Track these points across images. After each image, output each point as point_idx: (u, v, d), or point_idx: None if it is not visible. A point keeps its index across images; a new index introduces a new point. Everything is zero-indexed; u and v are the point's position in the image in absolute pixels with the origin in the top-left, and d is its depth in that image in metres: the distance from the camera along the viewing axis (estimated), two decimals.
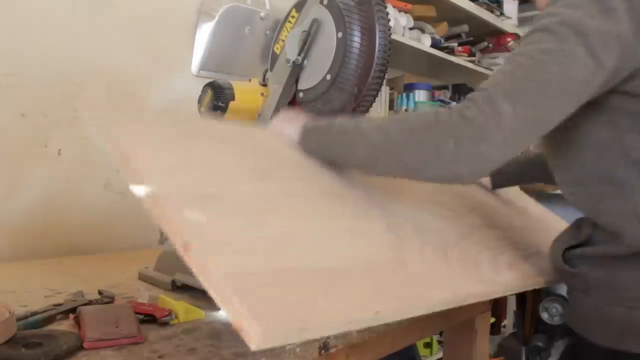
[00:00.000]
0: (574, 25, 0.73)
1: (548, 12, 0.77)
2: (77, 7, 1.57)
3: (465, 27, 2.81)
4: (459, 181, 0.74)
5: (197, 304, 0.91)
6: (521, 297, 1.05)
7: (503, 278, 0.90)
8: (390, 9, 2.16)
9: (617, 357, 0.82)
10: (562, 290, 1.11)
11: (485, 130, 0.70)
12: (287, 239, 0.65)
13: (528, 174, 1.24)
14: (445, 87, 2.90)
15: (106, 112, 0.73)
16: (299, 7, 1.23)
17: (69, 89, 1.56)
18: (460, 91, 2.90)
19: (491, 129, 0.70)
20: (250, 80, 1.31)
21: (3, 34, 1.43)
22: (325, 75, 1.15)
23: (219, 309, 0.87)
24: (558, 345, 1.06)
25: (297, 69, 1.19)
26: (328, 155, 0.87)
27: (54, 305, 0.89)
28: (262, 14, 1.88)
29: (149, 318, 0.84)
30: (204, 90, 1.25)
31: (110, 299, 0.96)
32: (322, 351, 0.78)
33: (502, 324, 3.06)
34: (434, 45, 2.51)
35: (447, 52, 2.60)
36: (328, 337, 0.80)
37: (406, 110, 2.50)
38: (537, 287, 0.90)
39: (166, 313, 0.84)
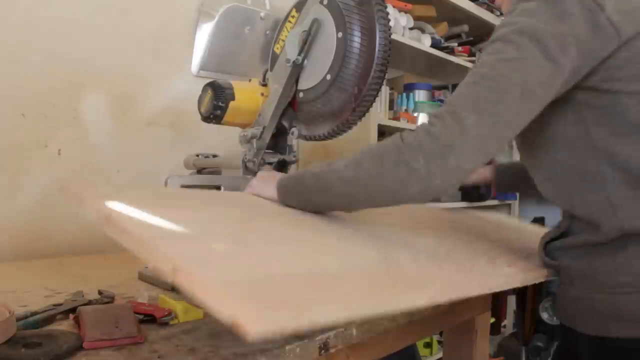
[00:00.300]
0: (529, 33, 0.78)
1: (506, 22, 0.82)
2: (77, 7, 1.57)
3: (465, 27, 2.81)
4: (437, 194, 0.77)
5: (196, 304, 0.91)
6: (521, 297, 1.05)
7: (504, 272, 0.91)
8: (390, 9, 2.16)
9: (603, 344, 0.84)
10: None
11: (452, 143, 0.74)
12: (276, 257, 0.68)
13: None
14: (445, 87, 2.90)
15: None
16: (299, 7, 1.23)
17: (69, 89, 1.56)
18: None
19: (457, 141, 0.74)
20: (250, 80, 1.31)
21: (3, 35, 1.43)
22: (325, 75, 1.15)
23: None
24: (555, 347, 1.07)
25: (297, 69, 1.19)
26: (308, 202, 0.90)
27: (54, 305, 0.89)
28: (262, 14, 1.88)
29: (149, 318, 0.84)
30: (204, 90, 1.25)
31: (110, 299, 0.96)
32: (322, 351, 0.78)
33: (502, 324, 3.06)
34: (434, 45, 2.51)
35: (447, 52, 2.60)
36: (328, 337, 0.80)
37: (406, 110, 2.50)
38: (539, 280, 0.92)
39: (166, 313, 0.84)
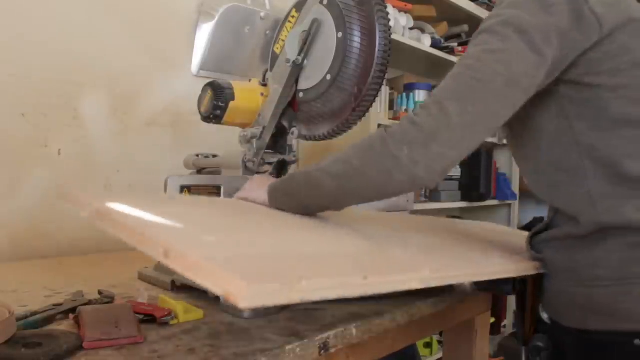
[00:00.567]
0: (515, 24, 0.79)
1: (492, 14, 0.84)
2: (77, 7, 1.57)
3: (465, 27, 2.81)
4: (422, 183, 0.78)
5: (196, 304, 0.91)
6: (521, 297, 1.05)
7: (496, 261, 0.93)
8: (390, 9, 2.16)
9: (584, 337, 0.85)
10: None
11: (435, 132, 0.76)
12: (267, 241, 0.69)
13: None
14: None
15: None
16: (299, 7, 1.23)
17: (69, 89, 1.56)
18: None
19: (440, 130, 0.76)
20: (250, 80, 1.31)
21: (3, 35, 1.43)
22: (326, 75, 1.15)
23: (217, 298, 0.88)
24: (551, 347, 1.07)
25: (297, 69, 1.19)
26: (298, 203, 0.92)
27: (54, 305, 0.89)
28: (262, 14, 1.88)
29: (149, 318, 0.84)
30: (204, 90, 1.25)
31: (110, 299, 0.96)
32: (322, 351, 0.78)
33: (502, 324, 3.06)
34: (434, 45, 2.51)
35: (447, 52, 2.60)
36: (328, 337, 0.80)
37: (406, 110, 2.49)
38: (530, 271, 0.92)
39: (166, 313, 0.84)
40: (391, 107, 2.46)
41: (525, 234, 1.01)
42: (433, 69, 2.87)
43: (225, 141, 1.60)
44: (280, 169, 1.25)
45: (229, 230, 0.72)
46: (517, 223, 3.15)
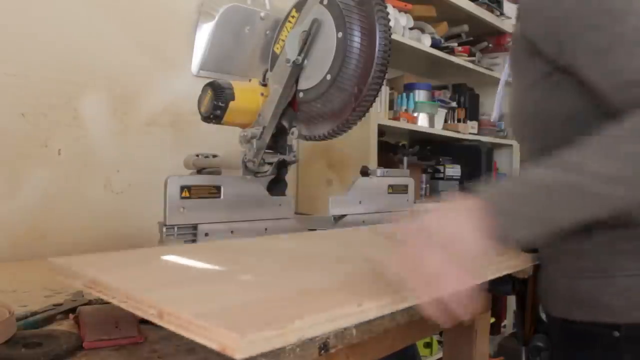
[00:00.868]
0: None
1: None
2: (77, 7, 1.57)
3: (465, 27, 2.81)
4: None
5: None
6: (521, 297, 1.05)
7: (495, 260, 0.91)
8: (390, 9, 2.16)
9: (567, 326, 0.86)
10: None
11: None
12: (257, 284, 0.70)
13: None
14: (445, 87, 2.90)
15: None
16: (299, 7, 1.23)
17: (69, 89, 1.56)
18: (460, 91, 2.90)
19: None
20: (250, 80, 1.31)
21: (3, 34, 1.43)
22: (326, 75, 1.15)
23: None
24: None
25: (297, 69, 1.19)
26: (546, 222, 0.69)
27: (54, 305, 0.89)
28: (262, 14, 1.88)
29: None
30: (204, 90, 1.25)
31: None
32: (322, 351, 0.78)
33: (502, 324, 3.06)
34: (434, 45, 2.51)
35: (447, 52, 2.60)
36: (328, 337, 0.80)
37: (406, 110, 2.49)
38: (527, 264, 0.94)
39: None
40: (391, 107, 2.46)
41: None
42: (433, 69, 2.87)
43: (225, 141, 1.60)
44: (280, 169, 1.26)
45: (217, 281, 0.73)
46: None
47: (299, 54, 1.18)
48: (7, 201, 1.45)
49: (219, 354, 0.71)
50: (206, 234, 1.09)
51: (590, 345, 0.83)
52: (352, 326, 0.84)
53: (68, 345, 0.71)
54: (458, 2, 2.58)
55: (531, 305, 1.03)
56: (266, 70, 1.29)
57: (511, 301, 2.99)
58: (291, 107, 1.23)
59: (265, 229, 1.19)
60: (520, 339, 1.05)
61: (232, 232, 1.13)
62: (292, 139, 1.24)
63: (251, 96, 1.25)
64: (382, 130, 2.24)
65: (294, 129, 1.23)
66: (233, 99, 1.22)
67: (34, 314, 0.84)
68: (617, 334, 0.80)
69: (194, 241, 1.08)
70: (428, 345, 2.52)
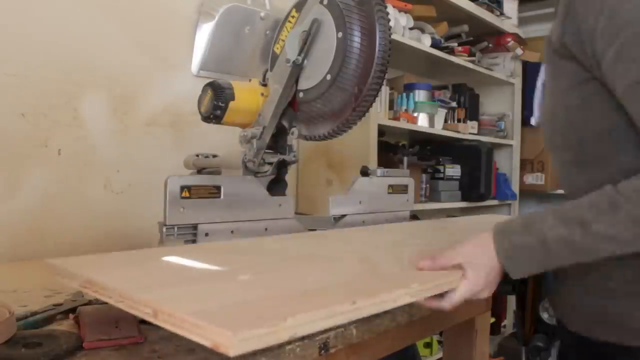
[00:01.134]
0: None
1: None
2: (77, 7, 1.57)
3: (465, 27, 2.81)
4: None
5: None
6: (521, 297, 1.05)
7: None
8: (390, 9, 2.16)
9: (586, 344, 0.84)
10: None
11: None
12: (253, 286, 0.70)
13: None
14: (445, 87, 2.90)
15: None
16: (299, 7, 1.23)
17: (69, 89, 1.56)
18: (460, 91, 2.90)
19: None
20: (250, 80, 1.31)
21: (3, 34, 1.43)
22: (326, 75, 1.15)
23: None
24: (558, 345, 1.07)
25: (297, 69, 1.19)
26: (547, 268, 0.82)
27: (54, 305, 0.89)
28: (262, 14, 1.88)
29: None
30: (204, 90, 1.25)
31: None
32: (322, 351, 0.78)
33: (502, 324, 3.06)
34: (434, 45, 2.51)
35: (447, 52, 2.60)
36: (328, 337, 0.80)
37: (406, 110, 2.49)
38: None
39: None
40: (391, 107, 2.46)
41: None
42: (433, 69, 2.87)
43: (225, 141, 1.60)
44: (280, 169, 1.25)
45: (214, 280, 0.73)
46: None
47: (299, 54, 1.18)
48: (7, 201, 1.45)
49: (219, 355, 0.71)
50: (206, 234, 1.09)
51: None
52: (353, 326, 0.84)
53: (68, 345, 0.71)
54: (458, 2, 2.58)
55: (531, 305, 1.03)
56: (266, 70, 1.29)
57: (511, 301, 3.00)
58: (291, 107, 1.23)
59: (265, 229, 1.19)
60: (520, 339, 1.05)
61: (232, 232, 1.13)
62: (292, 139, 1.24)
63: (251, 96, 1.25)
64: (382, 130, 2.24)
65: (294, 129, 1.23)
66: (233, 99, 1.21)
67: (34, 314, 0.84)
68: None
69: (194, 241, 1.08)
70: (428, 345, 2.52)
